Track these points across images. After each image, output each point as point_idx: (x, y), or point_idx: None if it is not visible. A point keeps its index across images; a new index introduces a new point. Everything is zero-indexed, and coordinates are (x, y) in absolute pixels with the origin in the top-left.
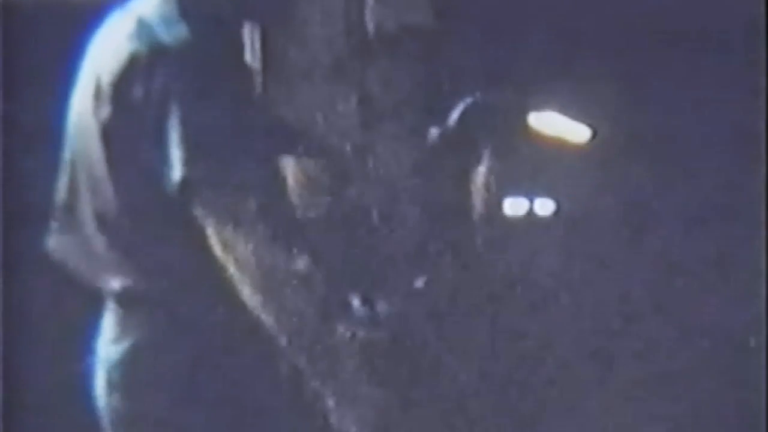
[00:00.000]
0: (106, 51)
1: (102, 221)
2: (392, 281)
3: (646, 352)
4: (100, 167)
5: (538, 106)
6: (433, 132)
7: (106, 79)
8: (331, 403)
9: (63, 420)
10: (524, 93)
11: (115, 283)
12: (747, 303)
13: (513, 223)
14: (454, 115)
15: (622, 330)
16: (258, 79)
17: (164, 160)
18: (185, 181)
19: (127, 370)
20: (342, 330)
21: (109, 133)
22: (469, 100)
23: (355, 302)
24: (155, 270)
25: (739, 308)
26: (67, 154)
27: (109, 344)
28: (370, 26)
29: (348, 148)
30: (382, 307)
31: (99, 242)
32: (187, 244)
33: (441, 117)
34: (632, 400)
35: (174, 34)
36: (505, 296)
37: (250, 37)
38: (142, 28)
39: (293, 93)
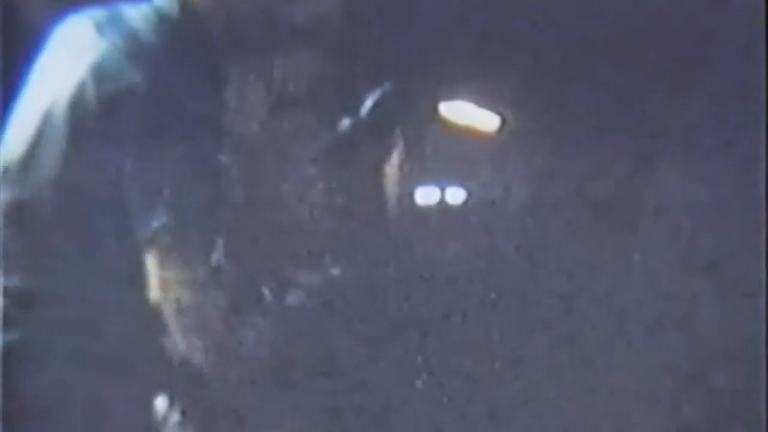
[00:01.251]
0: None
1: (11, 211)
2: (303, 272)
3: (564, 342)
4: (45, 161)
5: (449, 96)
6: (345, 122)
7: (92, 92)
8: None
9: None
10: (434, 82)
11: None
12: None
13: (425, 212)
14: (366, 105)
15: (535, 318)
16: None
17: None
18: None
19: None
20: (253, 324)
21: (74, 138)
22: (379, 89)
23: (267, 294)
24: (45, 272)
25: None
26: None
27: None
28: (280, 16)
29: (258, 138)
30: (293, 298)
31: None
32: (88, 249)
33: (352, 107)
34: (549, 391)
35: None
36: (416, 285)
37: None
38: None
39: (207, 85)
